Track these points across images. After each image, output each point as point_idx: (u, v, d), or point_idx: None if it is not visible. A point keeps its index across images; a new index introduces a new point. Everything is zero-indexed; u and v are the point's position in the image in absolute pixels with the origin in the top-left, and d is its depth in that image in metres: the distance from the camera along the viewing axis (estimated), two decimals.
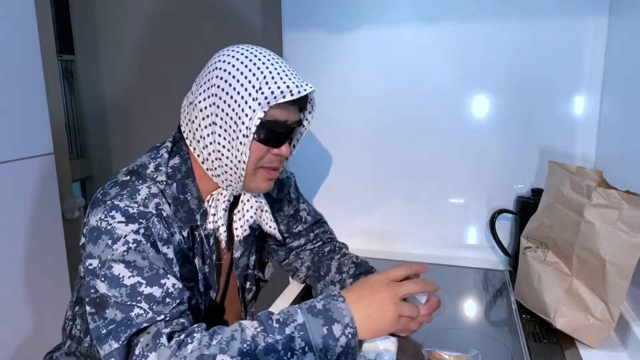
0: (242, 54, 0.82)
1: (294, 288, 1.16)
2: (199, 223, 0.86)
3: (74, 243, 1.55)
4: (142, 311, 0.70)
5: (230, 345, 0.67)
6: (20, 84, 1.26)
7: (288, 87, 0.79)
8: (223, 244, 0.90)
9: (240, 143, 0.80)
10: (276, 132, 0.82)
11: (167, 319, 0.70)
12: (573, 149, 1.24)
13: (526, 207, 1.22)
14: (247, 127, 0.79)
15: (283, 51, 1.40)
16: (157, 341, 0.67)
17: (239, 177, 0.84)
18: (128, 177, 0.81)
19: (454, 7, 1.26)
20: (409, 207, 1.39)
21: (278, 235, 0.98)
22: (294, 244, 1.11)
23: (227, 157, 0.82)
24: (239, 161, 0.82)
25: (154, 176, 0.83)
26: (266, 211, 0.95)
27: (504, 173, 1.30)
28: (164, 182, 0.83)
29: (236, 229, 0.91)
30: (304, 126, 0.91)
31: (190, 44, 1.96)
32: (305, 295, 1.15)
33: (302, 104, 0.86)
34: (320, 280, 1.04)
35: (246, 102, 0.78)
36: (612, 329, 0.85)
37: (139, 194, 0.79)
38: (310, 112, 0.90)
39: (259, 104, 0.78)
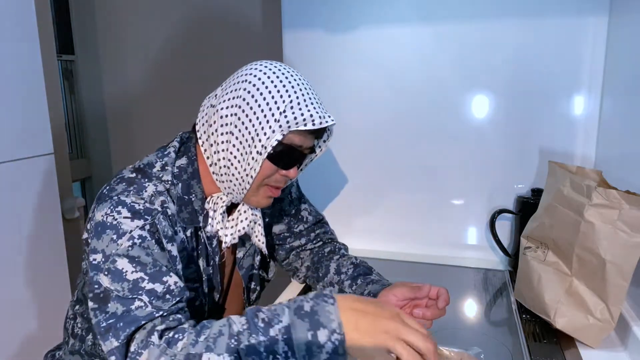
0: (274, 72, 0.83)
1: (294, 288, 1.16)
2: (201, 225, 0.87)
3: (74, 243, 1.55)
4: (142, 304, 0.70)
5: (217, 342, 0.65)
6: (20, 84, 1.26)
7: (311, 116, 0.81)
8: (224, 246, 0.90)
9: (253, 159, 0.81)
10: (289, 155, 0.84)
11: (165, 314, 0.70)
12: (573, 149, 1.24)
13: (526, 207, 1.22)
14: (263, 146, 0.80)
15: (283, 51, 1.40)
16: (149, 339, 0.67)
17: (243, 190, 0.85)
18: (134, 175, 0.82)
19: (454, 8, 1.26)
20: (409, 207, 1.39)
21: (264, 250, 0.96)
22: (294, 244, 1.11)
23: (236, 168, 0.84)
24: (247, 175, 0.83)
25: (160, 175, 0.84)
26: (259, 224, 0.95)
27: (504, 173, 1.30)
28: (170, 182, 0.84)
29: (226, 235, 0.91)
30: (315, 153, 0.93)
31: (189, 44, 1.96)
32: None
33: (319, 132, 0.89)
34: (319, 281, 1.04)
35: (267, 122, 0.80)
36: (612, 329, 0.85)
37: (146, 191, 0.80)
38: (325, 141, 0.93)
39: (280, 126, 0.80)
